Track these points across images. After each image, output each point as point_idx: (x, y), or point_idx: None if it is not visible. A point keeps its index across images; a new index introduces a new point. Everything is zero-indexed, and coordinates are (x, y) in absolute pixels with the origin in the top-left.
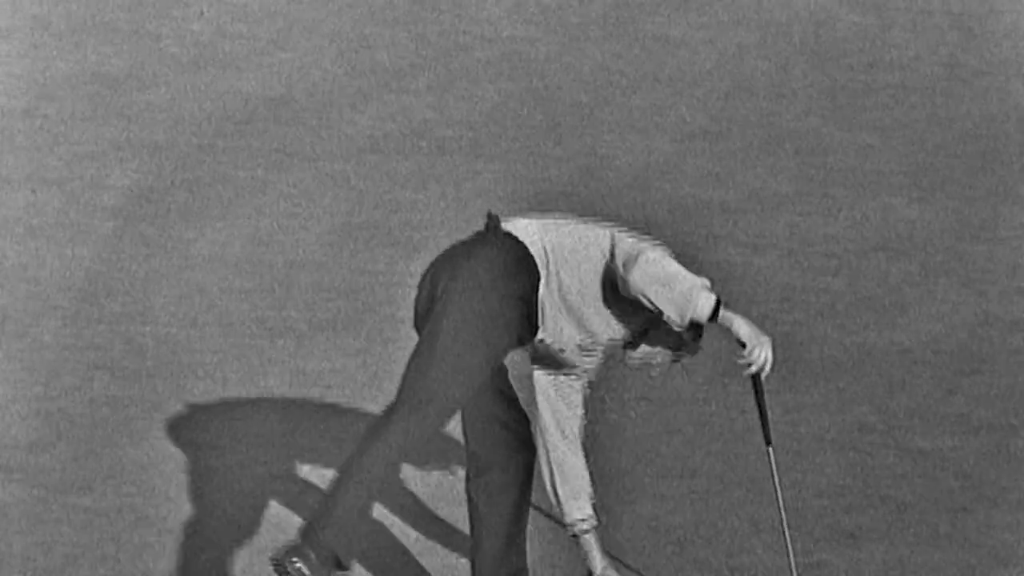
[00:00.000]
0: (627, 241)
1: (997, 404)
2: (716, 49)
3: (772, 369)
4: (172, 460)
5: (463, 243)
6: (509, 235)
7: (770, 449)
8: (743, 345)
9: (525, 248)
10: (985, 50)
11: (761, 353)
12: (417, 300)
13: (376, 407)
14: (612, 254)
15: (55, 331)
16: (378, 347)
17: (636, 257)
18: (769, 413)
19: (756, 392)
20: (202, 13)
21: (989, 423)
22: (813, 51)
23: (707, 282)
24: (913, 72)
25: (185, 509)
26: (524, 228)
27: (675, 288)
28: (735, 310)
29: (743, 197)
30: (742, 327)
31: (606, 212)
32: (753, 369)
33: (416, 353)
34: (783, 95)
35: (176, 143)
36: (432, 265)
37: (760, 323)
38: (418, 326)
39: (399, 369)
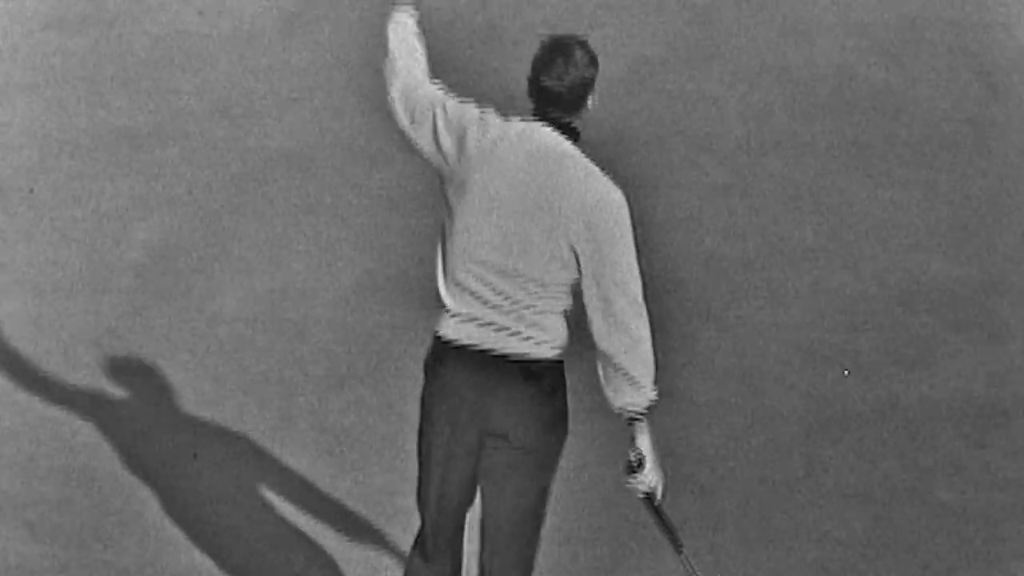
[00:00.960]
0: (613, 290)
1: (1023, 458)
2: (739, 104)
3: (663, 493)
4: (194, 514)
5: (496, 377)
6: (548, 367)
7: (682, 554)
8: (639, 464)
9: (559, 368)
10: (1011, 106)
11: (655, 477)
12: (452, 409)
13: (397, 463)
14: (580, 268)
15: (78, 386)
16: (399, 403)
17: (620, 322)
18: (671, 522)
19: (653, 511)
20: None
21: (1015, 478)
22: (837, 106)
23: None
24: (938, 127)
25: (206, 563)
26: (541, 346)
27: (637, 387)
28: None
29: (766, 251)
30: (647, 444)
31: None
32: (645, 491)
33: (496, 527)
34: (807, 150)
35: (197, 199)
36: (472, 386)
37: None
38: (450, 432)
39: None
